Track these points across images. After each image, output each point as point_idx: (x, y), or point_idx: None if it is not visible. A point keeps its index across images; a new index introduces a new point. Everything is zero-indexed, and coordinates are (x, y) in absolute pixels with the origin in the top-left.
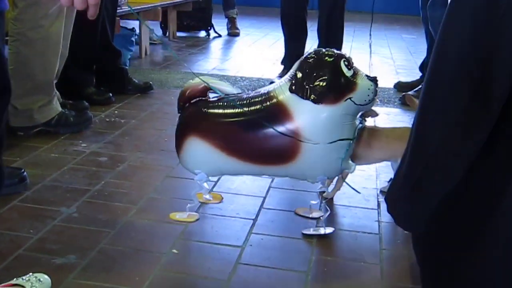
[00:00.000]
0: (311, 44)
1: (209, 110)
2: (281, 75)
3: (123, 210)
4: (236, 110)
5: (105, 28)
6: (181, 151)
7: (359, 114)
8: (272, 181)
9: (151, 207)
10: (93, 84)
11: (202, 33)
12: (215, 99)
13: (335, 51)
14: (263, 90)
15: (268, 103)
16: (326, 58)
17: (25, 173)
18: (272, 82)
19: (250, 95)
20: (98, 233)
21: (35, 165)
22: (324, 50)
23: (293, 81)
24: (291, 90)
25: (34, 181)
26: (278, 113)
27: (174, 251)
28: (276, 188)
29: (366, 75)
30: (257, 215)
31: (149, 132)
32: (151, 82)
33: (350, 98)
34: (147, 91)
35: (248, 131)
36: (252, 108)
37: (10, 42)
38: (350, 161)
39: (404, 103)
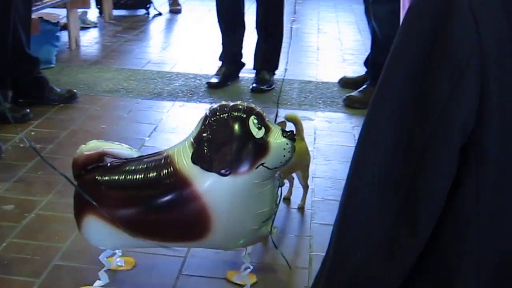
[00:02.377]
0: (251, 38)
1: (104, 182)
2: (218, 74)
3: None
4: (134, 182)
5: (17, 35)
6: (80, 228)
7: (277, 174)
8: None
9: (56, 280)
10: (8, 99)
11: (142, 11)
12: (114, 164)
13: (244, 105)
14: (163, 154)
15: (167, 173)
16: (231, 117)
17: None
18: (209, 83)
19: (147, 163)
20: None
21: None
22: (229, 105)
23: (194, 149)
24: (193, 161)
25: None
26: (179, 187)
27: None
28: None
29: (282, 130)
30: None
31: (66, 162)
32: (75, 90)
33: (262, 164)
34: (71, 100)
35: (147, 209)
36: (150, 180)
37: None
38: (273, 226)
39: (347, 106)
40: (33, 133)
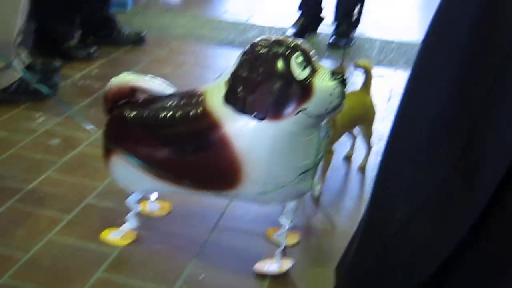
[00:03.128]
0: None
1: (130, 118)
2: (295, 25)
3: (49, 223)
4: (161, 121)
5: None
6: (108, 167)
7: (323, 123)
8: None
9: (85, 219)
10: (73, 36)
11: None
12: (143, 100)
13: (289, 40)
14: (197, 92)
15: (197, 113)
16: (272, 53)
17: None
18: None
19: (178, 101)
20: (5, 260)
21: None
22: (271, 39)
23: (228, 88)
24: (225, 100)
25: None
26: (209, 129)
27: None
28: None
29: (332, 72)
30: (207, 239)
31: None
32: (143, 33)
33: (303, 110)
34: (139, 43)
35: (173, 150)
36: (179, 119)
37: None
38: (314, 181)
39: None
40: (95, 70)
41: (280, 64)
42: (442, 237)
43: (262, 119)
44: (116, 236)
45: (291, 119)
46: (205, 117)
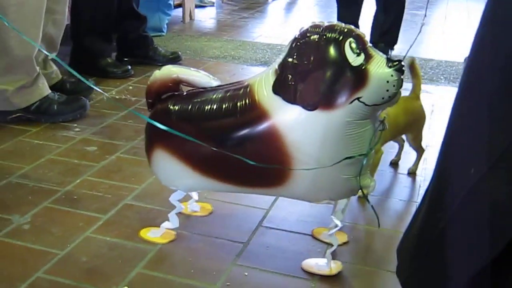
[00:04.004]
0: (369, 10)
1: (176, 112)
2: None
3: (87, 222)
4: (207, 114)
5: None
6: (151, 164)
7: (378, 113)
8: None
9: (123, 218)
10: (110, 54)
11: None
12: (189, 93)
13: (341, 25)
14: (244, 83)
15: (245, 104)
16: (323, 39)
17: None
18: None
19: (225, 93)
20: (41, 255)
21: (11, 155)
22: (323, 25)
23: (277, 77)
24: (274, 90)
25: (1, 176)
26: (257, 121)
27: None
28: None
29: (387, 58)
30: (250, 238)
31: None
32: (180, 52)
33: (358, 99)
34: (175, 61)
35: (220, 146)
36: (225, 112)
37: None
38: (368, 177)
39: None
40: (130, 87)
41: (333, 50)
42: None
43: (313, 109)
44: (155, 235)
45: (345, 109)
46: (253, 109)
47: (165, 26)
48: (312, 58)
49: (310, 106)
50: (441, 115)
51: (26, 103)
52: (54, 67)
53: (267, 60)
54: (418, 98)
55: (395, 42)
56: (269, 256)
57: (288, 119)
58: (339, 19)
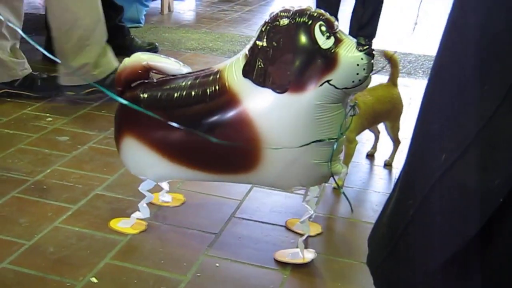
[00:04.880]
0: (348, 3)
1: (145, 100)
2: None
3: (56, 212)
4: (176, 101)
5: None
6: (120, 152)
7: (349, 98)
8: None
9: (93, 209)
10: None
11: None
12: (159, 80)
13: (311, 9)
14: (214, 69)
15: (214, 90)
16: (293, 23)
17: None
18: None
19: (194, 80)
20: (7, 246)
21: None
22: (293, 9)
23: (247, 60)
24: (244, 74)
25: None
26: (226, 106)
27: (93, 280)
28: (261, 188)
29: (358, 43)
30: (222, 229)
31: None
32: (156, 43)
33: (328, 81)
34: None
35: (190, 133)
36: (195, 98)
37: None
38: (339, 164)
39: None
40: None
41: (302, 33)
42: (492, 181)
43: (283, 92)
44: (125, 225)
45: (315, 92)
46: (222, 94)
47: (143, 17)
48: (282, 42)
49: (279, 88)
50: (418, 108)
51: (104, 74)
52: (25, 58)
53: None
54: (395, 86)
55: (373, 35)
56: (241, 246)
57: (258, 102)
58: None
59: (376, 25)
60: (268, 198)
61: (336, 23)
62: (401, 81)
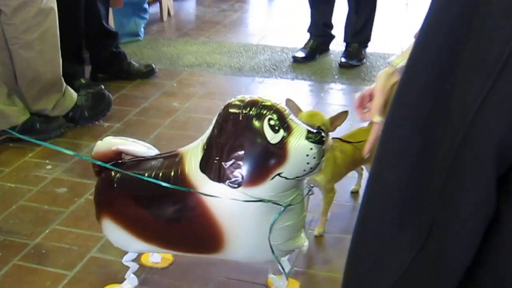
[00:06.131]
0: (342, 9)
1: (119, 181)
2: (305, 49)
3: (53, 280)
4: (142, 184)
5: (95, 10)
6: (101, 228)
7: (304, 181)
8: None
9: (87, 275)
10: (83, 74)
11: None
12: (129, 162)
13: (262, 100)
14: (177, 154)
15: (175, 177)
16: (244, 118)
17: None
18: (294, 58)
19: (160, 163)
20: None
21: None
22: (244, 102)
23: (203, 155)
24: (200, 169)
25: None
26: (185, 195)
27: None
28: None
29: (308, 131)
30: None
31: None
32: (153, 65)
33: (279, 174)
34: (149, 75)
35: (156, 215)
36: (159, 185)
37: (9, 45)
38: (302, 237)
39: None
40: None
41: (251, 129)
42: None
43: (237, 187)
44: None
45: (267, 185)
46: (182, 181)
47: (142, 30)
48: (233, 137)
49: (234, 184)
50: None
51: (63, 113)
52: (21, 104)
53: (241, 66)
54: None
55: (368, 40)
56: None
57: (216, 194)
58: (311, 18)
59: (370, 30)
60: None
61: (287, 112)
62: None
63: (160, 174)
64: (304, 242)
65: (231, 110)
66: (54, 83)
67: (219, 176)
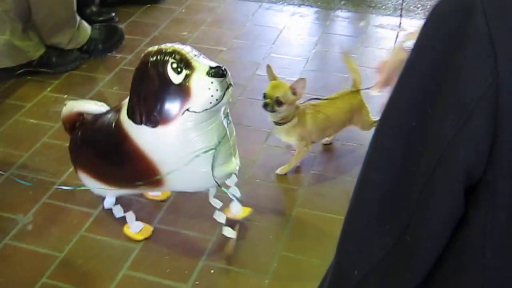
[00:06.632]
0: None
1: (80, 138)
2: None
3: (80, 219)
4: (94, 136)
5: None
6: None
7: (222, 110)
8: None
9: (110, 215)
10: (94, 2)
11: None
12: (87, 119)
13: (166, 47)
14: (119, 106)
15: (114, 127)
16: (150, 66)
17: None
18: None
19: (107, 116)
20: (44, 259)
21: (10, 140)
22: (152, 51)
23: (128, 104)
24: (127, 115)
25: (3, 167)
26: (121, 140)
27: None
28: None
29: (210, 67)
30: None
31: None
32: None
33: (187, 110)
34: (158, 1)
35: (106, 161)
36: (104, 135)
37: None
38: (232, 161)
39: None
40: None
41: (157, 73)
42: None
43: (155, 126)
44: (135, 230)
45: (179, 120)
46: (118, 131)
47: None
48: (144, 84)
49: (152, 124)
50: None
51: (79, 45)
52: (37, 38)
53: None
54: (357, 92)
55: None
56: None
57: (142, 137)
58: None
59: None
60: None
61: (189, 54)
62: (397, 22)
63: (109, 123)
64: (235, 166)
65: (143, 60)
66: (68, 18)
67: (140, 119)
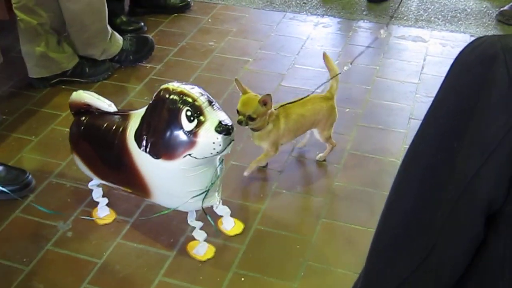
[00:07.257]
0: None
1: (85, 124)
2: None
3: (116, 227)
4: (97, 134)
5: None
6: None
7: (216, 159)
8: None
9: (145, 222)
10: (123, 11)
11: None
12: (98, 113)
13: (186, 92)
14: (126, 116)
15: (119, 136)
16: (168, 105)
17: (29, 177)
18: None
19: (113, 119)
20: (84, 265)
21: (47, 147)
22: (174, 90)
23: (137, 127)
24: (134, 138)
25: (42, 175)
26: (123, 153)
27: None
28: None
29: (220, 122)
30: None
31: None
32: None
33: (189, 155)
34: (184, 9)
35: (102, 161)
36: (108, 138)
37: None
38: (216, 196)
39: (501, 21)
40: None
41: (172, 116)
42: None
43: (157, 158)
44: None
45: (180, 161)
46: (122, 141)
47: None
48: (157, 119)
49: (155, 155)
50: (431, 71)
51: (110, 57)
52: (70, 49)
53: (271, 1)
54: (331, 97)
55: None
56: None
57: (143, 160)
58: None
59: None
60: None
61: (204, 104)
62: (418, 33)
63: (114, 128)
64: (216, 201)
65: (161, 96)
66: (101, 31)
67: (145, 148)
